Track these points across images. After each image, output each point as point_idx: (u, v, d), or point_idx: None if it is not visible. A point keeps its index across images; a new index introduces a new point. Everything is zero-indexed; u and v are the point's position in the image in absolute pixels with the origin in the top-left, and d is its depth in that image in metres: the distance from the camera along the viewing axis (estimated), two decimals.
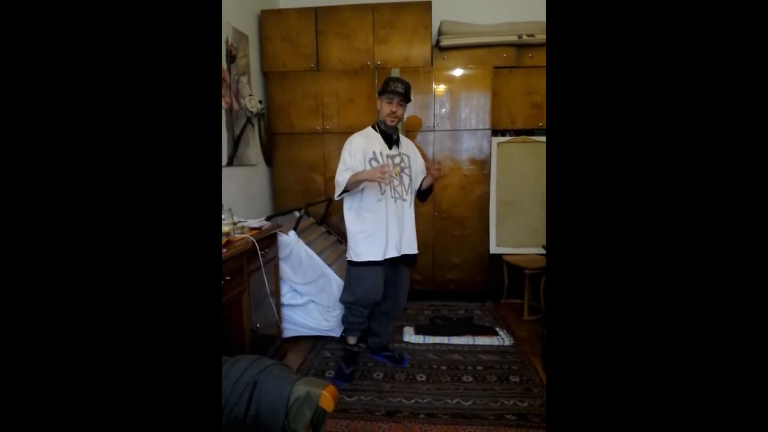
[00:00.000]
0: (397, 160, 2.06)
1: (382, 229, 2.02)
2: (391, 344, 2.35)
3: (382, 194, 2.01)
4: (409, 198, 2.11)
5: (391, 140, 2.06)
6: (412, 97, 2.92)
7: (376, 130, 2.07)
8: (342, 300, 2.19)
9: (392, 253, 2.04)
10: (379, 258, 2.03)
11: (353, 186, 1.92)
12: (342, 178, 1.93)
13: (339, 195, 1.99)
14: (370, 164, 1.98)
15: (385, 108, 2.00)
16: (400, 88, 1.98)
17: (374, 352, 2.29)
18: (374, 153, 2.00)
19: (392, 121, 2.01)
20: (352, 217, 2.07)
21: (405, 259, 2.12)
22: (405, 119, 2.98)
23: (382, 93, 2.02)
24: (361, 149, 2.00)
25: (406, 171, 2.09)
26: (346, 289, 2.16)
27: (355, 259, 2.07)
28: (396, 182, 2.05)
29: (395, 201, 2.05)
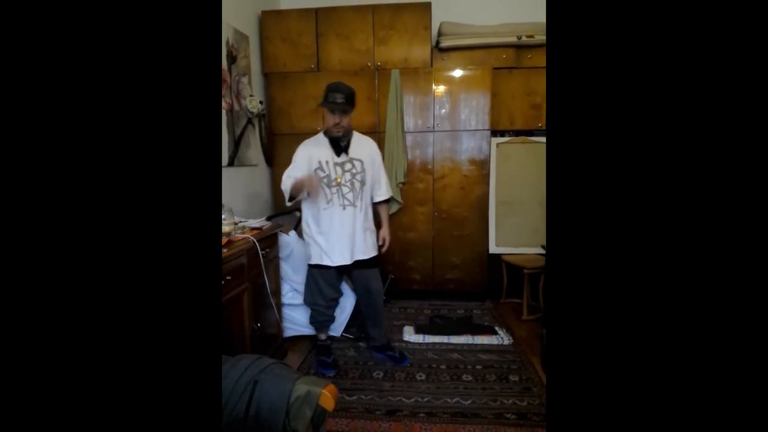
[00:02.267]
0: (347, 166, 2.05)
1: (330, 236, 2.06)
2: (392, 342, 2.37)
3: (327, 203, 2.04)
4: (360, 204, 2.08)
5: (339, 147, 2.05)
6: (412, 98, 2.98)
7: (326, 136, 2.07)
8: (305, 301, 2.28)
9: (341, 261, 2.08)
10: (329, 263, 2.09)
11: (297, 192, 1.98)
12: (285, 186, 2.00)
13: (288, 202, 2.04)
14: (316, 173, 2.01)
15: (329, 119, 2.00)
16: (339, 99, 1.95)
17: (377, 350, 2.31)
18: (320, 162, 2.03)
19: (338, 131, 2.00)
20: (307, 221, 2.15)
21: (360, 264, 2.14)
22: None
23: (323, 105, 1.99)
24: (307, 157, 2.03)
25: (357, 177, 2.06)
26: (306, 288, 2.26)
27: (309, 261, 2.17)
28: (346, 189, 2.04)
29: (344, 208, 2.05)
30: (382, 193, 2.19)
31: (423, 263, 3.11)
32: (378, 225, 2.24)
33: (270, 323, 2.15)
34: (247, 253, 1.84)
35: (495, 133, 3.08)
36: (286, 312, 2.42)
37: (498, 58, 3.02)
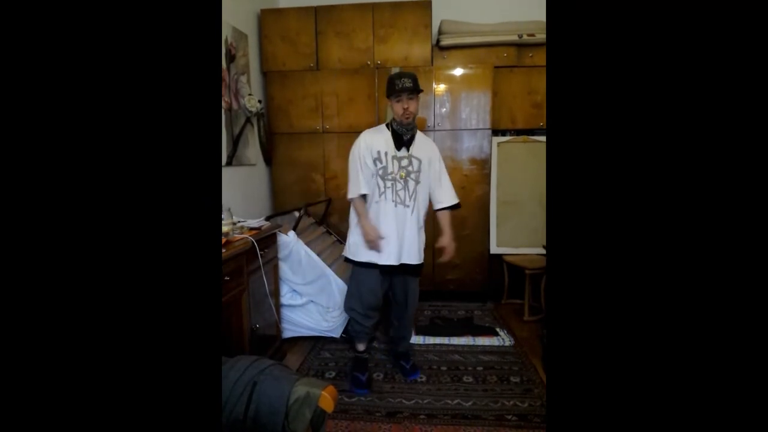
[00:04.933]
0: (404, 162, 1.92)
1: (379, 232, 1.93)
2: (410, 352, 2.27)
3: (380, 196, 1.92)
4: (413, 205, 1.94)
5: (401, 141, 1.93)
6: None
7: (388, 129, 1.96)
8: (345, 306, 2.13)
9: (389, 261, 1.94)
10: (375, 261, 1.95)
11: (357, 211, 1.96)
12: (355, 191, 1.93)
13: (350, 197, 1.98)
14: (374, 164, 1.91)
15: (397, 108, 1.87)
16: (408, 83, 1.84)
17: (394, 354, 2.26)
18: (378, 153, 1.91)
19: (407, 118, 1.87)
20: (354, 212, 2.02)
21: (406, 269, 2.00)
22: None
23: (390, 95, 1.88)
24: (368, 147, 1.92)
25: (412, 176, 1.93)
26: (349, 291, 2.11)
27: (350, 257, 2.02)
28: (399, 186, 1.92)
29: (395, 206, 1.92)
30: (448, 198, 2.02)
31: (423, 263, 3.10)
32: (439, 232, 2.08)
33: (269, 324, 2.14)
34: (246, 254, 1.83)
35: (496, 132, 3.07)
36: (285, 313, 2.41)
37: (499, 56, 3.01)
